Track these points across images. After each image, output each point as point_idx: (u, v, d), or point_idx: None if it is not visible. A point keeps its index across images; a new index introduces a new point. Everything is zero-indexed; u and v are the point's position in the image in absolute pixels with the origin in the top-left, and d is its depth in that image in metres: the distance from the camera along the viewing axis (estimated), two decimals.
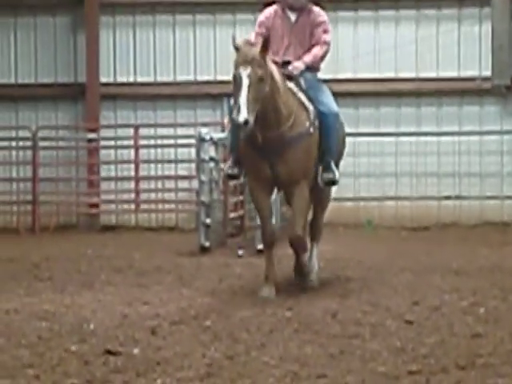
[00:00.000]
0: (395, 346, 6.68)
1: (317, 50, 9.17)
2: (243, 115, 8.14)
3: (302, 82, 9.12)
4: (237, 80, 8.36)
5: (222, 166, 14.41)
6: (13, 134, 18.54)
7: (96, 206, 18.69)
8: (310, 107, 9.03)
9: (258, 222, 12.54)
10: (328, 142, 9.13)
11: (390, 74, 17.65)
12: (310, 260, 9.80)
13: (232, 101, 8.69)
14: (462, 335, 7.17)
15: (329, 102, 9.32)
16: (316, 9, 9.40)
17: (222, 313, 8.50)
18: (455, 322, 7.79)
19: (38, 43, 18.78)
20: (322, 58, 9.34)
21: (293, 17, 9.25)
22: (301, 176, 8.88)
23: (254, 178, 9.13)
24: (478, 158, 17.45)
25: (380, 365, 6.13)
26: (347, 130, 15.46)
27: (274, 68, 8.78)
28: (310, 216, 10.30)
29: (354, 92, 17.81)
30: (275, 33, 9.21)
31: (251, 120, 8.18)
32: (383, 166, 17.68)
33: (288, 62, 9.03)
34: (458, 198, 17.24)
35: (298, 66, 9.03)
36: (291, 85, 9.03)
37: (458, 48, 17.36)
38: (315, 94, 9.16)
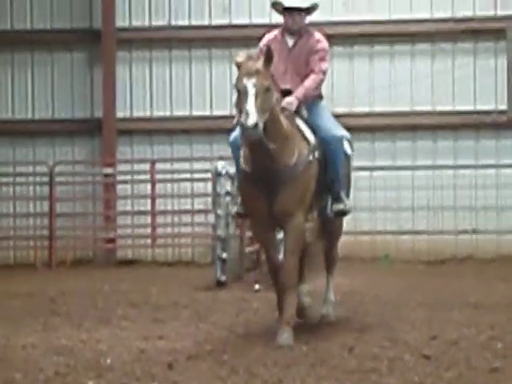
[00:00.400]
0: (413, 380, 6.64)
1: (309, 82, 8.84)
2: (253, 118, 7.71)
3: (303, 109, 8.77)
4: (241, 91, 7.99)
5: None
6: (30, 169, 18.51)
7: (112, 240, 18.44)
8: (310, 136, 8.68)
9: None
10: (334, 170, 8.80)
11: (406, 108, 17.41)
12: (327, 292, 9.54)
13: (235, 118, 8.28)
14: (480, 370, 7.06)
15: (331, 127, 8.94)
16: (317, 34, 9.07)
17: (239, 347, 8.42)
18: (473, 357, 7.64)
19: (55, 79, 18.72)
20: (316, 88, 8.99)
21: (290, 42, 8.98)
22: (297, 208, 8.48)
23: (252, 213, 8.85)
24: (494, 192, 17.18)
25: None
26: (363, 163, 15.89)
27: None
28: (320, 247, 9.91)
29: (370, 126, 17.56)
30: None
31: (261, 125, 7.73)
32: (399, 200, 17.37)
33: (288, 91, 8.71)
34: (474, 231, 16.95)
35: (291, 101, 8.67)
36: (289, 113, 8.67)
37: (474, 81, 17.16)
38: (318, 121, 8.82)
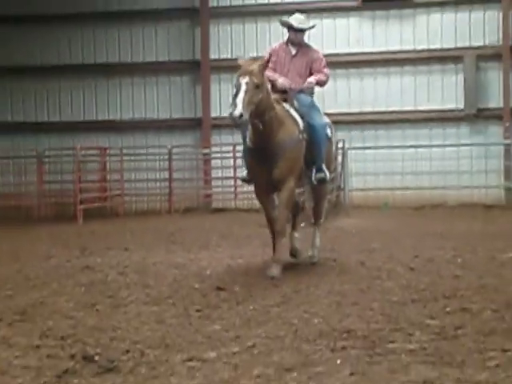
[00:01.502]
0: (403, 283, 7.74)
1: (320, 76, 9.27)
2: (239, 110, 8.03)
3: (295, 102, 9.09)
4: (236, 87, 8.31)
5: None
6: (156, 150, 20.41)
7: (209, 195, 20.58)
8: (300, 121, 8.98)
9: None
10: (318, 149, 9.08)
11: (397, 108, 19.68)
12: (313, 239, 9.71)
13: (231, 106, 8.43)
14: (447, 276, 8.22)
15: (317, 116, 9.22)
16: (313, 47, 9.67)
17: (288, 262, 9.23)
18: (442, 268, 8.78)
19: (172, 93, 20.79)
20: (324, 83, 9.41)
21: (293, 50, 9.30)
22: (289, 175, 8.75)
23: (255, 179, 9.16)
24: (455, 162, 19.42)
25: (393, 296, 7.13)
26: (368, 144, 18.80)
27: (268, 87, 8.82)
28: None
29: (373, 120, 19.75)
30: (278, 61, 9.24)
31: (246, 115, 8.10)
32: (394, 168, 19.52)
33: (285, 91, 9.10)
34: (444, 187, 19.31)
35: (311, 81, 9.17)
36: (285, 104, 9.02)
37: (442, 90, 19.50)
38: (307, 111, 9.07)
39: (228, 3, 20.55)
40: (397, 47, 19.83)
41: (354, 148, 19.40)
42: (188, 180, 20.87)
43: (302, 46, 9.45)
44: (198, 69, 20.57)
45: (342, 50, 19.82)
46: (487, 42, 19.40)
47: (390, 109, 19.79)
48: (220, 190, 20.93)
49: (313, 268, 9.17)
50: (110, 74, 20.53)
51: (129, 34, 20.78)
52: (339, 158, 18.61)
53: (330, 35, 19.80)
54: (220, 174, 20.68)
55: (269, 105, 8.54)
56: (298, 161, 8.95)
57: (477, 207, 18.60)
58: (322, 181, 9.24)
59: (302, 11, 18.54)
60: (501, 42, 19.13)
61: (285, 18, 9.80)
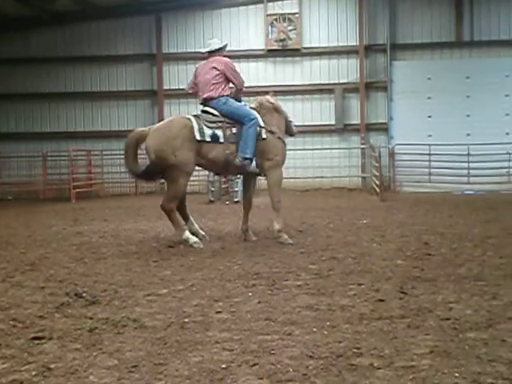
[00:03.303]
0: (294, 241, 8.91)
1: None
2: None
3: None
4: None
5: None
6: None
7: (163, 182, 19.49)
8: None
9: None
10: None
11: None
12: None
13: None
14: (323, 236, 8.98)
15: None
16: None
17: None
18: (320, 231, 9.53)
19: None
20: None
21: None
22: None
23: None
24: (327, 159, 19.36)
25: (288, 249, 7.56)
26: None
27: None
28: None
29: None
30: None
31: None
32: (288, 163, 20.48)
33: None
34: (320, 177, 18.92)
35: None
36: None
37: (321, 111, 19.71)
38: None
39: (175, 50, 20.41)
40: (290, 82, 20.05)
41: None
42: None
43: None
44: (155, 95, 20.43)
45: (254, 83, 19.40)
46: (349, 80, 19.72)
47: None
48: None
49: (233, 232, 8.95)
50: (94, 99, 20.25)
51: (107, 71, 20.58)
52: None
53: (245, 73, 19.34)
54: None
55: None
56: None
57: (343, 190, 18.91)
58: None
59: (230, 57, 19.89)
60: (358, 80, 19.51)
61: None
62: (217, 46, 8.21)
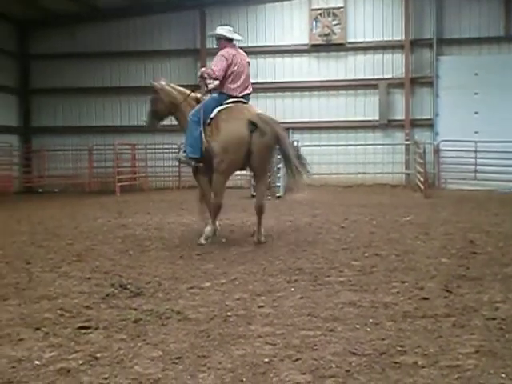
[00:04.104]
0: (336, 237, 8.23)
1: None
2: (144, 120, 8.18)
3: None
4: None
5: None
6: (169, 146, 18.92)
7: None
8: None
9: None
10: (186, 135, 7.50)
11: (333, 119, 19.38)
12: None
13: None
14: (365, 232, 8.25)
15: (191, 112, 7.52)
16: (222, 50, 7.61)
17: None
18: (362, 227, 8.86)
19: None
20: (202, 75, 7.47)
21: None
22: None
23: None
24: (380, 156, 19.14)
25: (330, 245, 7.78)
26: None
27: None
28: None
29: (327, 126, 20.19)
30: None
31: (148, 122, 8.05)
32: (330, 159, 19.17)
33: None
34: (362, 173, 18.86)
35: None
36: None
37: (364, 107, 19.34)
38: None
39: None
40: (334, 77, 19.93)
41: (305, 145, 18.34)
42: None
43: (217, 50, 7.79)
44: (200, 91, 20.28)
45: (298, 78, 20.11)
46: (394, 75, 19.44)
47: (330, 119, 19.77)
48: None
49: (275, 227, 9.00)
50: (139, 94, 19.79)
51: (151, 66, 20.59)
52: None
53: (289, 68, 20.19)
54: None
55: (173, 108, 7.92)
56: None
57: (386, 186, 18.61)
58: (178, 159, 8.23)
59: (269, 52, 20.07)
60: (403, 75, 19.20)
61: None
62: (214, 33, 7.95)
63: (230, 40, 7.76)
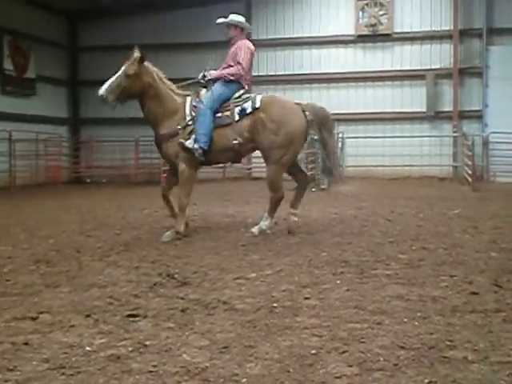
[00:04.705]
0: (382, 230, 7.63)
1: (227, 70, 7.34)
2: (101, 91, 6.96)
3: (204, 91, 7.35)
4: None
5: None
6: None
7: (250, 168, 19.27)
8: (187, 109, 7.25)
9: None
10: (196, 126, 7.12)
11: (379, 110, 19.41)
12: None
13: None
14: (412, 225, 8.15)
15: (206, 101, 7.19)
16: (244, 40, 7.59)
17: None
18: (409, 220, 8.75)
19: None
20: (230, 75, 7.26)
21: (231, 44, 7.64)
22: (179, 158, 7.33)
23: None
24: (427, 148, 19.09)
25: (376, 238, 7.46)
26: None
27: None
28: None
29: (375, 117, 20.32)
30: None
31: (108, 96, 7.02)
32: (376, 151, 19.17)
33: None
34: (409, 165, 18.64)
35: (211, 74, 7.37)
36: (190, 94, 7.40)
37: (411, 98, 19.23)
38: (204, 98, 7.25)
39: (265, 37, 20.28)
40: (380, 68, 19.78)
41: (350, 137, 19.34)
42: None
43: (235, 40, 7.62)
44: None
45: (343, 70, 20.06)
46: (442, 65, 19.20)
47: (375, 110, 19.70)
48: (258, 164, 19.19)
49: (320, 219, 9.01)
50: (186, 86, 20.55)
51: (200, 57, 19.43)
52: (339, 144, 18.55)
53: (334, 59, 20.10)
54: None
55: (145, 92, 7.28)
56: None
57: (433, 179, 18.35)
58: (185, 147, 7.24)
59: (314, 43, 20.01)
60: (451, 66, 18.92)
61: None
62: (227, 20, 7.77)
63: (242, 30, 7.70)
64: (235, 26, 7.65)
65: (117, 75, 7.15)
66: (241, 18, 7.71)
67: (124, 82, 7.13)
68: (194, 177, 7.60)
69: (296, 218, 7.73)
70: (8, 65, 18.70)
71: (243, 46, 7.48)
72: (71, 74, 21.88)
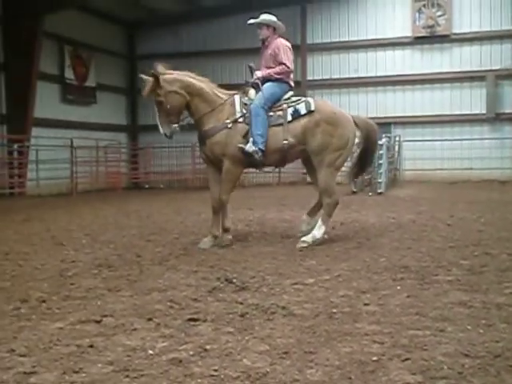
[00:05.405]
0: (442, 235, 7.51)
1: (273, 69, 7.11)
2: (161, 131, 7.13)
3: (253, 91, 7.17)
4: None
5: None
6: None
7: (305, 173, 19.45)
8: (237, 108, 7.06)
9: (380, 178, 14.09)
10: (251, 126, 6.95)
11: (438, 112, 19.18)
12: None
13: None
14: (474, 230, 7.94)
15: (257, 100, 6.99)
16: (281, 40, 7.40)
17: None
18: (470, 225, 8.51)
19: None
20: (277, 74, 7.11)
21: (263, 45, 7.49)
22: (224, 157, 7.08)
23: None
24: (477, 150, 18.77)
25: (436, 243, 6.88)
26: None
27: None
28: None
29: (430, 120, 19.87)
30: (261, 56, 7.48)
31: (167, 131, 7.12)
32: (434, 155, 19.07)
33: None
34: (469, 169, 18.58)
35: (257, 75, 7.19)
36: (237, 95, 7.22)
37: (470, 100, 19.04)
38: (256, 98, 7.04)
39: (320, 41, 20.39)
40: (438, 70, 19.54)
41: (407, 140, 19.20)
42: None
43: (268, 42, 7.39)
44: (299, 86, 19.70)
45: (399, 72, 19.88)
46: (503, 66, 18.78)
47: (433, 113, 19.52)
48: None
49: (377, 223, 8.92)
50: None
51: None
52: (396, 148, 18.49)
53: (391, 61, 19.96)
54: None
55: (183, 97, 7.09)
56: (227, 141, 7.03)
57: (494, 182, 17.99)
58: (245, 152, 6.95)
59: (370, 46, 19.82)
60: None
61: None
62: (259, 20, 7.56)
63: (274, 30, 7.45)
64: (267, 25, 7.43)
65: (156, 109, 7.08)
66: (273, 17, 7.47)
67: (161, 108, 7.02)
68: (239, 177, 7.48)
69: (309, 227, 7.38)
70: (69, 74, 19.31)
71: (281, 46, 7.29)
72: (130, 82, 22.37)
